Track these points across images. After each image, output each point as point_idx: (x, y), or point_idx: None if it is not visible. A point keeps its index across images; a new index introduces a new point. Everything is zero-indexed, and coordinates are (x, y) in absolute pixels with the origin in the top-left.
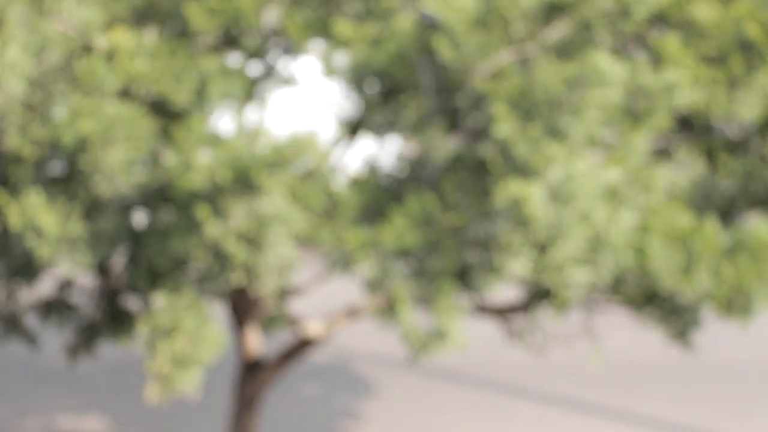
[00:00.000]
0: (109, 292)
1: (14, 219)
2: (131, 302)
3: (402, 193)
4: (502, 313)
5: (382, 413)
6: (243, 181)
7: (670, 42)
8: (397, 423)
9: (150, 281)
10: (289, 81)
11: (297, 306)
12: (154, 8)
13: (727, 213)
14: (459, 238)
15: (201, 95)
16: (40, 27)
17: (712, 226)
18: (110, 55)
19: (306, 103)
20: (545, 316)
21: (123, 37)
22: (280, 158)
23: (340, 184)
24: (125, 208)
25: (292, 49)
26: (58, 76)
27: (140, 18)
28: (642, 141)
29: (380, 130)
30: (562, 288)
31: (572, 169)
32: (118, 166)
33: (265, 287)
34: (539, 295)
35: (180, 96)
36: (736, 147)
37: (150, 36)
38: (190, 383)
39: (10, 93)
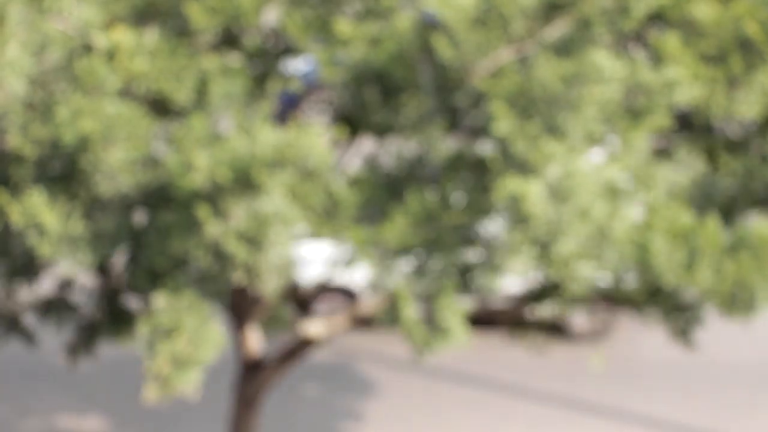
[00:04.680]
0: (110, 291)
1: (15, 218)
2: (131, 302)
3: (402, 191)
4: (503, 312)
5: (382, 413)
6: (243, 181)
7: (670, 40)
8: (397, 423)
9: (150, 281)
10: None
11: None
12: (154, 7)
13: (728, 212)
14: (459, 236)
15: (201, 94)
16: (41, 26)
17: (713, 223)
18: (110, 55)
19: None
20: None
21: (123, 36)
22: (280, 158)
23: (340, 183)
24: (126, 207)
25: (292, 48)
26: (59, 75)
27: (140, 17)
28: (642, 139)
29: (380, 129)
30: (569, 281)
31: (571, 167)
32: (119, 165)
33: (266, 287)
34: (541, 293)
35: (180, 95)
36: (737, 146)
37: (150, 35)
38: (189, 383)
39: (10, 92)
